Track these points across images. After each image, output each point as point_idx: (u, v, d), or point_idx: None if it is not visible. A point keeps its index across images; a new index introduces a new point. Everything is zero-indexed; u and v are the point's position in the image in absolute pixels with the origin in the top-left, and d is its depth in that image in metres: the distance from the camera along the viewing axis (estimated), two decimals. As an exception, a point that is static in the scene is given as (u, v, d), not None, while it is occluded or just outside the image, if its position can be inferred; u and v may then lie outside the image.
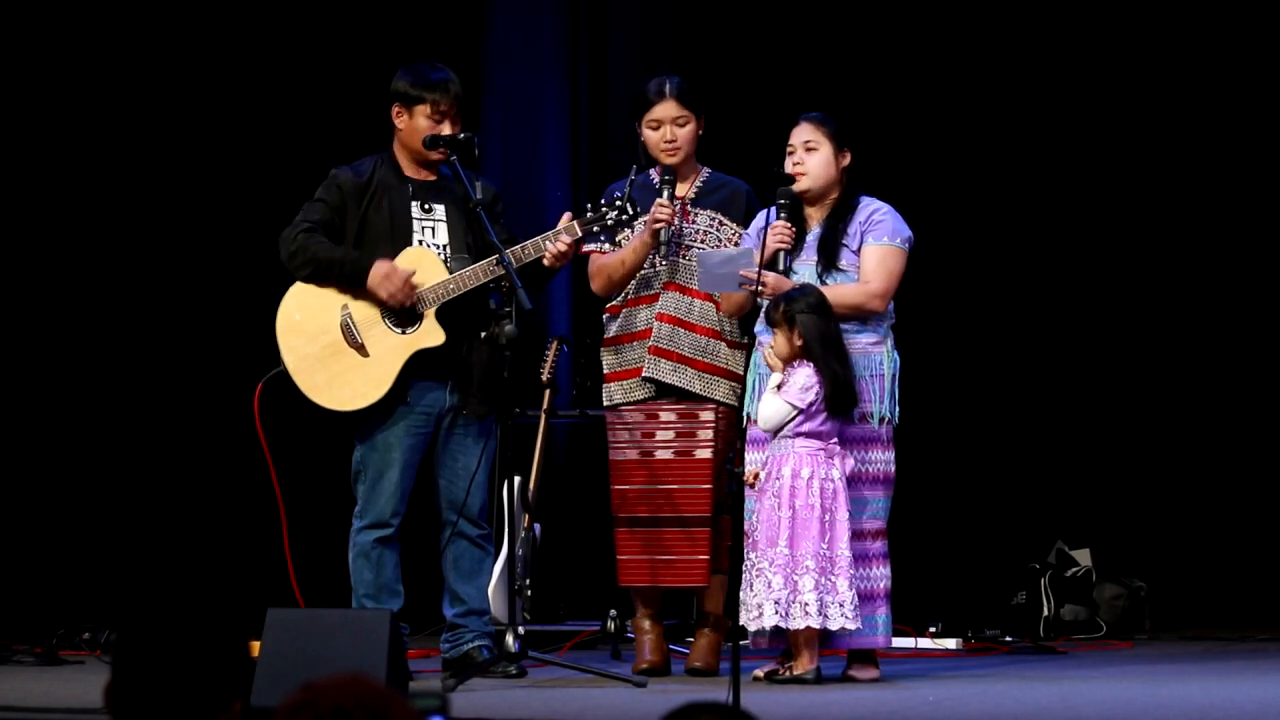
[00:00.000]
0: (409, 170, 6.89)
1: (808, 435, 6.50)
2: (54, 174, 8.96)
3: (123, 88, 9.00)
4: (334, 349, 6.75)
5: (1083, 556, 9.13)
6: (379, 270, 6.69)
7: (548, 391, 7.28)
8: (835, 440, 6.54)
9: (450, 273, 6.74)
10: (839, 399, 6.49)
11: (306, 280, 6.77)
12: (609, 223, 6.82)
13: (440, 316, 6.73)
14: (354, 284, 6.71)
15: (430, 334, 6.75)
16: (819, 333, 6.49)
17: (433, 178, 6.90)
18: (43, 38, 8.93)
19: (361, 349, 6.74)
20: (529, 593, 6.82)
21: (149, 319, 9.04)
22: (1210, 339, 9.33)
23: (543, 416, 7.29)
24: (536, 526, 7.17)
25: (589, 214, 6.81)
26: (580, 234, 6.76)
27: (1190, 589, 9.18)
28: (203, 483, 8.96)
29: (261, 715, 2.95)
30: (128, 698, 2.84)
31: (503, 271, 6.61)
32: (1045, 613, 8.98)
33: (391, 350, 6.74)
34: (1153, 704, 6.13)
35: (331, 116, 8.90)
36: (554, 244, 6.73)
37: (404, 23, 9.20)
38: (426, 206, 6.86)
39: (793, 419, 6.50)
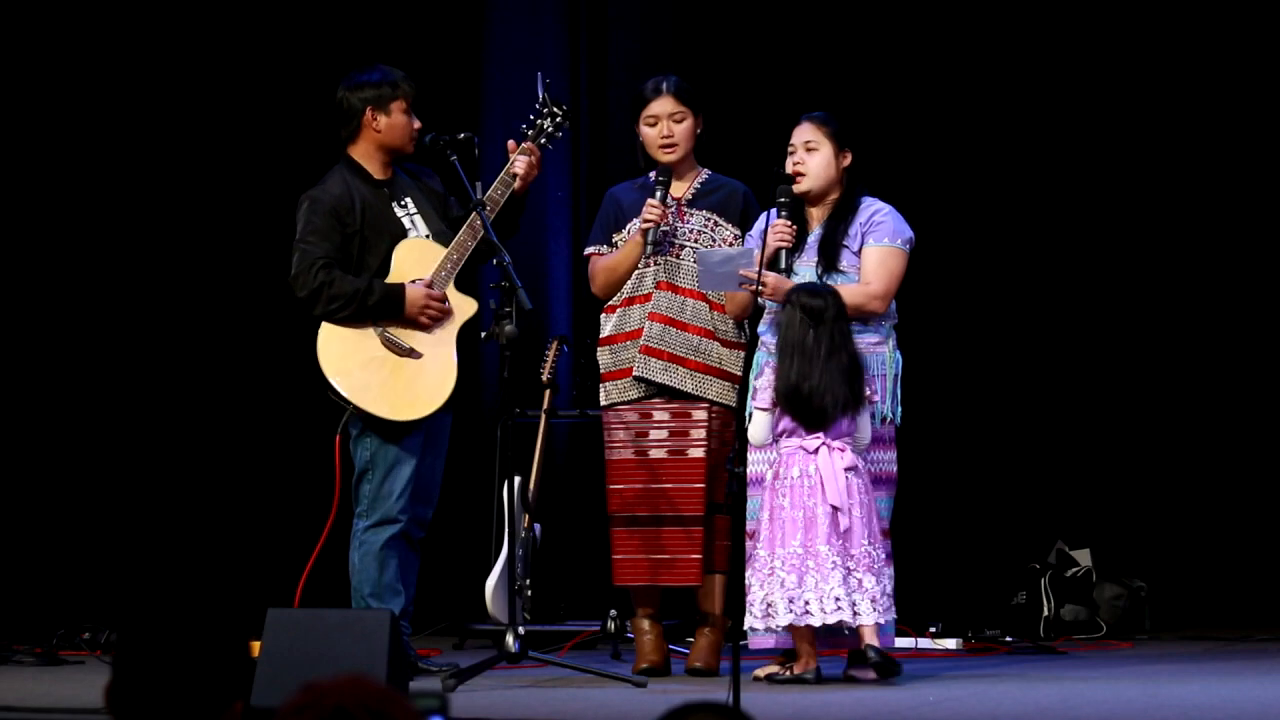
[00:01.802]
0: (378, 173, 6.89)
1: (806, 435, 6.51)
2: (51, 169, 8.96)
3: (131, 102, 9.01)
4: (391, 367, 6.73)
5: (1083, 556, 9.12)
6: (415, 299, 6.69)
7: (548, 391, 7.27)
8: (843, 437, 6.53)
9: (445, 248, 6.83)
10: (793, 404, 6.47)
11: (339, 319, 6.71)
12: (549, 129, 6.97)
13: (460, 288, 6.80)
14: (391, 315, 6.70)
15: (463, 306, 6.81)
16: (789, 335, 6.47)
17: (390, 174, 6.92)
18: (44, 56, 8.94)
19: (412, 353, 6.74)
20: (529, 593, 6.81)
21: (147, 319, 9.02)
22: (1210, 339, 9.32)
23: (543, 416, 7.28)
24: (536, 526, 7.16)
25: (528, 133, 6.93)
26: (529, 153, 6.86)
27: (1190, 589, 9.17)
28: (202, 483, 8.95)
29: (262, 715, 2.95)
30: (128, 698, 2.84)
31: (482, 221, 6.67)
32: (1045, 613, 8.97)
33: (440, 338, 6.76)
34: (1153, 704, 6.14)
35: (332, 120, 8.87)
36: (515, 170, 6.85)
37: (404, 23, 9.19)
38: (402, 203, 6.88)
39: (772, 421, 6.51)
